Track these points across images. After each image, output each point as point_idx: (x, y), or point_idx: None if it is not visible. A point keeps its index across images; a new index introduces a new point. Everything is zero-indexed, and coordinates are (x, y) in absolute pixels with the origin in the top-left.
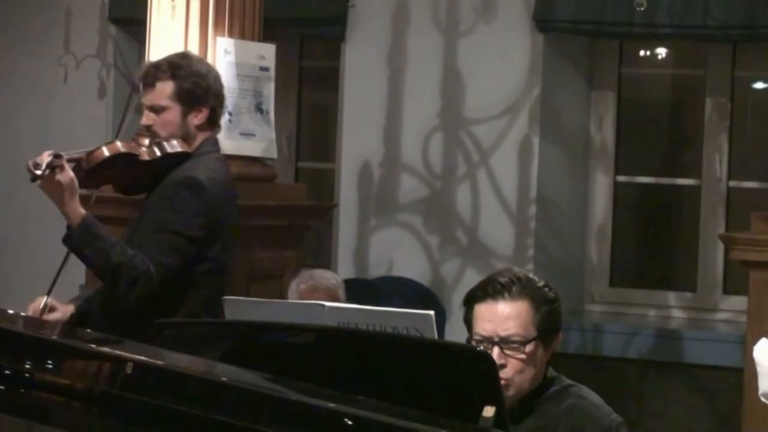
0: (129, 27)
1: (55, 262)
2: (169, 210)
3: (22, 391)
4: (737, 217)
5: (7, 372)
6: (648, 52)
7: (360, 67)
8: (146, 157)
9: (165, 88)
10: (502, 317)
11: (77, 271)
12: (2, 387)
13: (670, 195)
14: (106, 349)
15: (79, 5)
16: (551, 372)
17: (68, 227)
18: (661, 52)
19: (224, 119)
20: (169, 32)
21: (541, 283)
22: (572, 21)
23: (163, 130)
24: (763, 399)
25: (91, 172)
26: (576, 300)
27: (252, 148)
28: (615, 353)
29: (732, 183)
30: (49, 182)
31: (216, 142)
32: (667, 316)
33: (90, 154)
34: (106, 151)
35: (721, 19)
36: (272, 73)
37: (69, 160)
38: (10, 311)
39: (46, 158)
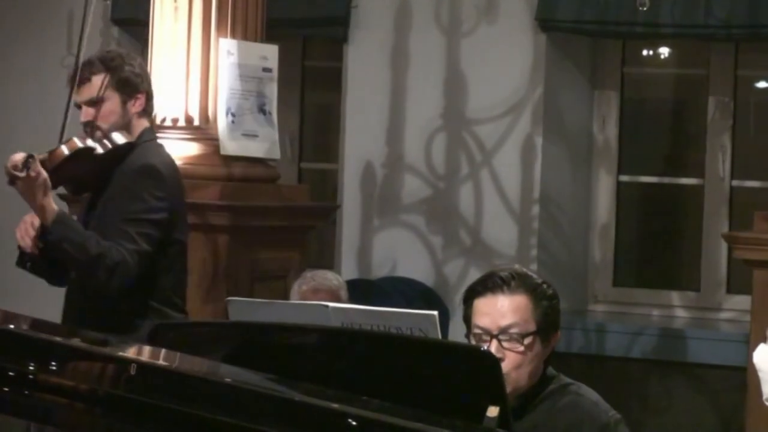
0: (131, 28)
1: None
2: (132, 198)
3: (26, 392)
4: (740, 216)
5: (10, 373)
6: (651, 52)
7: (362, 67)
8: (100, 151)
9: (101, 80)
10: (502, 310)
11: None
12: (6, 388)
13: (673, 194)
14: (109, 351)
15: (82, 7)
16: (550, 371)
17: (42, 226)
18: (664, 51)
19: (227, 120)
20: (171, 33)
21: (539, 280)
22: (575, 21)
23: (104, 122)
24: (767, 403)
25: (54, 171)
26: (579, 299)
27: (255, 148)
28: (618, 353)
29: (735, 182)
30: (26, 182)
31: (153, 131)
32: (670, 315)
33: (51, 153)
34: (65, 150)
35: (724, 18)
36: (275, 73)
37: (29, 159)
38: (13, 312)
39: (20, 159)
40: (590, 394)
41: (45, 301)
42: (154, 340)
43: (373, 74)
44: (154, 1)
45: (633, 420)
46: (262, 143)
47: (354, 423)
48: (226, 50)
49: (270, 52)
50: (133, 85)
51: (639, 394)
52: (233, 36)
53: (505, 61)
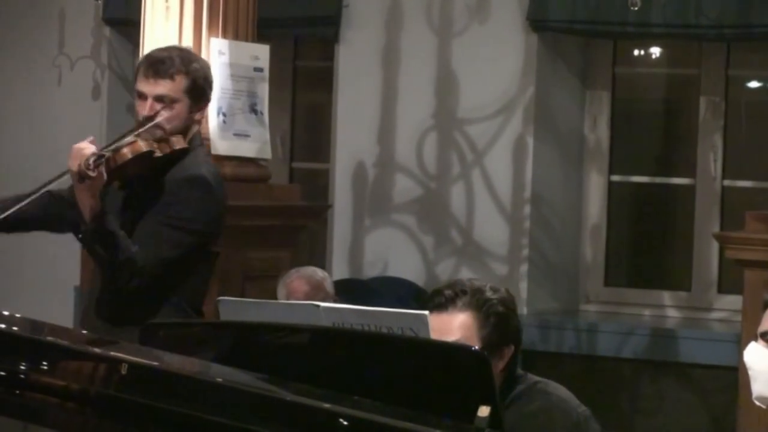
0: (123, 28)
1: (48, 263)
2: (176, 205)
3: (17, 392)
4: (732, 216)
5: (2, 373)
6: (642, 52)
7: (354, 67)
8: (159, 154)
9: (181, 82)
10: (445, 329)
11: (71, 272)
12: None
13: (664, 194)
14: (100, 350)
15: (73, 6)
16: (518, 371)
17: (80, 222)
18: (655, 51)
19: (218, 120)
20: (163, 33)
21: (490, 295)
22: (566, 20)
23: (167, 122)
24: (756, 402)
25: (114, 171)
26: (571, 299)
27: (246, 148)
28: (610, 353)
29: (726, 182)
30: (93, 182)
31: (201, 137)
32: (661, 315)
33: (115, 153)
34: (129, 153)
35: (715, 18)
36: (266, 73)
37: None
38: (4, 312)
39: (90, 154)
40: (559, 390)
41: (43, 300)
42: (145, 339)
43: (364, 74)
44: (145, 1)
45: (624, 420)
46: (254, 143)
47: (345, 423)
48: (218, 50)
49: (261, 52)
50: (204, 94)
51: (630, 394)
52: (224, 36)
53: (497, 61)
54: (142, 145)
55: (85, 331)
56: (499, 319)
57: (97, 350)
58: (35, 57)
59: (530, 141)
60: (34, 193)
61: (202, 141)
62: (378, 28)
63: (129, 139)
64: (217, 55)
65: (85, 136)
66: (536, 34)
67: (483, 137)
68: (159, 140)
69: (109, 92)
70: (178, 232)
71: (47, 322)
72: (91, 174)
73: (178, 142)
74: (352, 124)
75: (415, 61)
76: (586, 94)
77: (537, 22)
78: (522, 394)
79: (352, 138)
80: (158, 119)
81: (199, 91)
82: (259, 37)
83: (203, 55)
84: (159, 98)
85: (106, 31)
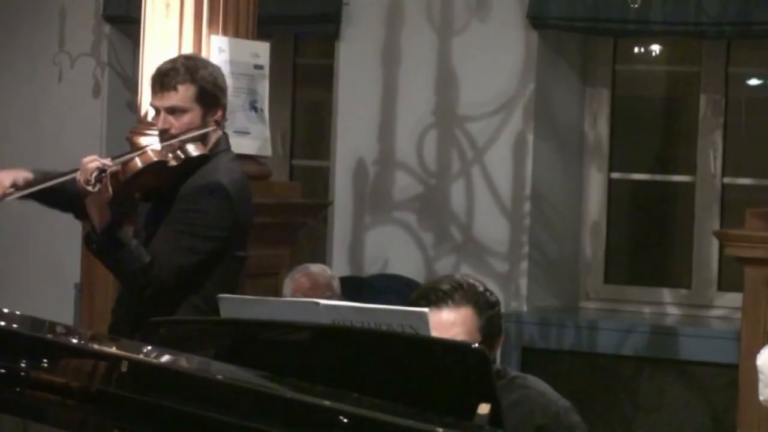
0: (123, 25)
1: (49, 260)
2: (192, 213)
3: (18, 389)
4: (732, 213)
5: (2, 371)
6: (642, 49)
7: (354, 64)
8: (173, 163)
9: (187, 91)
10: (447, 324)
11: (73, 269)
12: None
13: (664, 192)
14: (101, 348)
15: (74, 4)
16: (495, 366)
17: (89, 232)
18: (655, 48)
19: None
20: (163, 30)
21: (481, 288)
22: (566, 18)
23: (180, 132)
24: (765, 404)
25: (126, 182)
26: (571, 297)
27: (246, 146)
28: (610, 350)
29: (726, 179)
30: (94, 195)
31: (227, 140)
32: (661, 312)
33: (125, 165)
34: (139, 162)
35: (715, 15)
36: (267, 71)
37: (101, 173)
38: (5, 309)
39: (93, 170)
40: (537, 384)
41: (44, 298)
42: (146, 336)
43: (364, 71)
44: None
45: (624, 417)
46: (254, 140)
47: (345, 420)
48: (218, 47)
49: (262, 49)
50: (216, 98)
51: (630, 391)
52: (225, 33)
53: (497, 59)
54: (152, 155)
55: (83, 329)
56: (492, 310)
57: (97, 347)
58: (35, 54)
59: (530, 138)
60: (60, 176)
61: (228, 146)
62: (378, 25)
63: (140, 150)
64: (218, 52)
65: (86, 133)
66: (536, 32)
67: (483, 134)
68: (174, 150)
69: (109, 90)
70: (194, 239)
71: (48, 319)
72: (90, 189)
73: (196, 150)
74: (353, 122)
75: (416, 58)
76: (586, 92)
77: (537, 19)
78: (501, 390)
79: (352, 135)
80: (173, 132)
81: (209, 97)
82: (260, 35)
83: (203, 52)
84: (170, 110)
85: (107, 28)
